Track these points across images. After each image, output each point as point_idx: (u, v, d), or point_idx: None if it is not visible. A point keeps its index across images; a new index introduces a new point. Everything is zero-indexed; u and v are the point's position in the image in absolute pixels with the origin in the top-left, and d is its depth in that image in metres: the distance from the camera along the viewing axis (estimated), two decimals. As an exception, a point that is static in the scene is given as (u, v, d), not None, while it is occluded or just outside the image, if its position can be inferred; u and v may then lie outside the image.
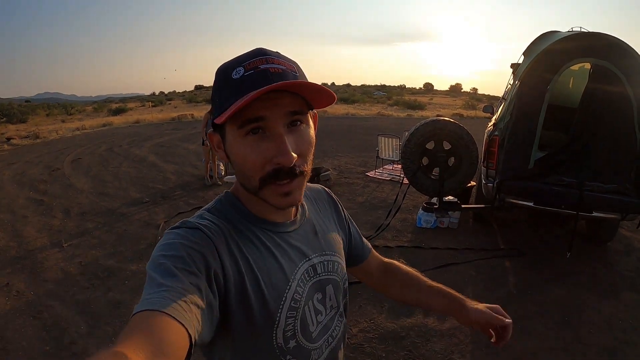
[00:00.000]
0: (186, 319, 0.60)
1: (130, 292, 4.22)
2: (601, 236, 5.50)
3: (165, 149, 12.55)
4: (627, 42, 4.41)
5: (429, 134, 4.92)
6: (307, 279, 0.90)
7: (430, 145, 5.03)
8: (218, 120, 0.75)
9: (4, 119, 26.79)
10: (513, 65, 6.53)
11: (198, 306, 0.65)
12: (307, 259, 0.92)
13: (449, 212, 5.82)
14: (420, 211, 6.12)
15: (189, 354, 0.60)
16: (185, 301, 0.63)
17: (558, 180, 4.59)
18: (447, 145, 5.06)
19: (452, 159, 5.07)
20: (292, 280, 0.86)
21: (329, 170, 8.41)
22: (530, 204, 4.76)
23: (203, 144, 8.22)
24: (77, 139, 15.92)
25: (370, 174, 9.10)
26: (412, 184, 5.20)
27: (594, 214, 4.57)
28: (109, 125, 21.29)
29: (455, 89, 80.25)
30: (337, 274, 0.99)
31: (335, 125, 17.68)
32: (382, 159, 9.07)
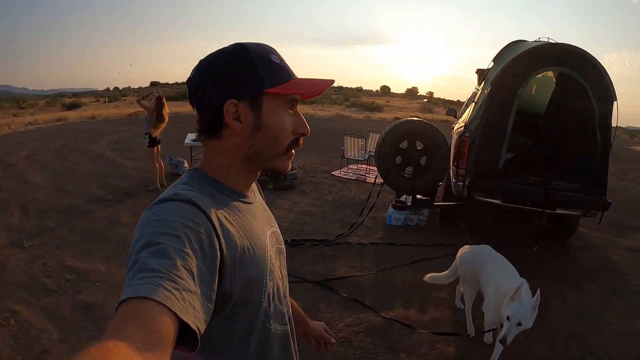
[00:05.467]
0: (182, 308, 0.58)
1: (102, 294, 3.99)
2: (562, 233, 5.87)
3: (122, 145, 12.13)
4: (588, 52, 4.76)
5: (403, 134, 5.09)
6: (271, 245, 0.98)
7: (403, 145, 5.19)
8: (281, 90, 0.87)
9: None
10: (479, 71, 6.80)
11: (193, 292, 0.63)
12: (269, 226, 1.01)
13: (422, 210, 6.01)
14: (390, 209, 6.24)
15: (195, 343, 0.60)
16: (180, 289, 0.60)
17: (526, 180, 4.88)
18: (419, 145, 5.22)
19: (425, 158, 5.24)
20: (266, 245, 0.93)
21: (296, 168, 8.45)
22: (499, 201, 5.01)
23: (149, 144, 7.15)
24: (31, 133, 15.06)
25: (336, 173, 9.18)
26: (386, 182, 5.35)
27: (558, 211, 4.87)
28: (63, 120, 20.33)
29: (412, 93, 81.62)
30: (283, 245, 1.09)
31: None
32: (348, 158, 9.17)
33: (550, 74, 5.58)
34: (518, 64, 4.87)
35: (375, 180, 6.25)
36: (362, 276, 4.54)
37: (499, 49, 5.54)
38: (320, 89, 0.93)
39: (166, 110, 6.95)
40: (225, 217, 0.82)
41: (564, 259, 5.42)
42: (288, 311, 1.04)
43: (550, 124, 5.16)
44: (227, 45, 0.89)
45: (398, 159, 5.27)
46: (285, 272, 1.06)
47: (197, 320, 0.61)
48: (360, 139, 8.96)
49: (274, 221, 1.09)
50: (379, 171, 5.35)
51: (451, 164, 5.35)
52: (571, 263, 5.33)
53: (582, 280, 4.85)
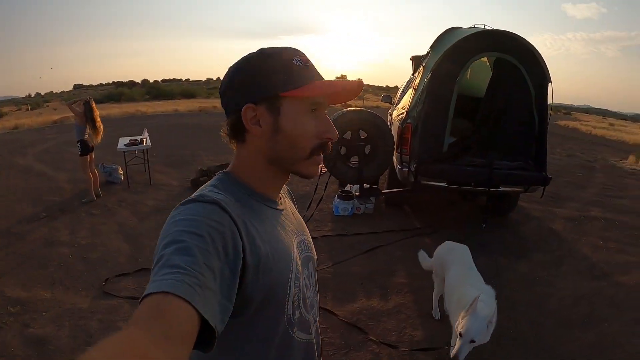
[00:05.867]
0: (203, 305, 0.60)
1: (52, 325, 3.56)
2: (503, 208, 6.16)
3: (52, 156, 11.31)
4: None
5: (347, 125, 5.09)
6: (299, 253, 0.97)
7: (347, 136, 5.20)
8: (298, 93, 0.84)
9: None
10: (414, 58, 6.93)
11: (214, 291, 0.65)
12: (296, 234, 0.99)
13: (369, 198, 6.08)
14: (336, 200, 6.25)
15: (213, 341, 0.62)
16: (201, 286, 0.62)
17: (470, 162, 5.08)
18: (363, 135, 5.24)
19: (369, 147, 5.26)
20: (292, 252, 0.92)
21: None
22: (444, 184, 5.20)
23: (82, 152, 6.63)
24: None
25: None
26: (332, 174, 5.33)
27: (502, 188, 5.14)
28: (-17, 133, 19.00)
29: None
30: (314, 254, 1.08)
31: (215, 121, 17.01)
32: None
33: (484, 59, 5.81)
34: (457, 51, 5.03)
35: (320, 172, 6.21)
36: (319, 270, 4.49)
37: (435, 36, 5.74)
38: (346, 89, 0.92)
39: (97, 114, 6.50)
40: (250, 221, 0.82)
41: (509, 232, 5.72)
42: (315, 321, 1.04)
43: (490, 107, 5.38)
44: (252, 52, 0.90)
45: (343, 150, 5.28)
46: (313, 282, 1.05)
47: (215, 318, 0.62)
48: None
49: (305, 229, 1.08)
50: (325, 164, 5.32)
51: (395, 150, 5.41)
52: (517, 236, 5.64)
53: (530, 251, 5.15)
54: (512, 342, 3.37)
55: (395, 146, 5.37)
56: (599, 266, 4.85)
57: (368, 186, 5.62)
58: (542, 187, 5.10)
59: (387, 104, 9.21)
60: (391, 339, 3.34)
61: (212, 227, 0.72)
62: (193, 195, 0.82)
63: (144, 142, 7.85)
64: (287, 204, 1.04)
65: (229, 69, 0.90)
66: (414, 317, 3.62)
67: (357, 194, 5.49)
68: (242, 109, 0.85)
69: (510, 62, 5.05)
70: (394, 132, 5.51)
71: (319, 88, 0.86)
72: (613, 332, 3.64)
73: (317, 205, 5.82)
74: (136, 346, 0.48)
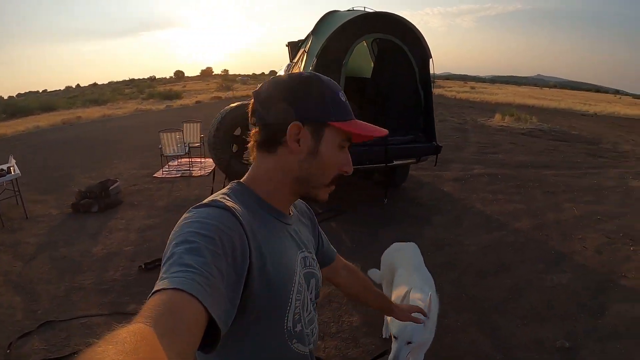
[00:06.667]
0: (212, 305, 0.61)
1: None
2: (396, 180, 6.39)
3: None
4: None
5: (236, 121, 4.91)
6: (302, 268, 0.98)
7: (237, 132, 5.02)
8: (344, 126, 0.90)
9: None
10: (290, 44, 6.86)
11: (221, 293, 0.66)
12: (300, 250, 1.00)
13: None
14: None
15: (217, 340, 0.63)
16: (211, 287, 0.63)
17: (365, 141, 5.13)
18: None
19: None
20: (296, 265, 0.94)
21: (117, 181, 7.31)
22: None
23: None
24: None
25: (158, 174, 8.35)
26: (227, 174, 5.13)
27: (396, 162, 5.31)
28: None
29: (207, 73, 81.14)
30: (317, 271, 1.08)
31: (96, 131, 15.25)
32: (167, 155, 8.56)
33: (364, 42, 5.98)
34: (342, 34, 5.07)
35: (213, 174, 5.97)
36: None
37: (303, 21, 5.73)
38: (373, 134, 0.96)
39: None
40: (259, 230, 0.83)
41: (408, 201, 5.93)
42: (315, 335, 1.06)
43: (377, 86, 5.55)
44: (303, 72, 0.94)
45: (235, 148, 5.09)
46: (313, 297, 1.05)
47: (220, 319, 0.63)
48: (176, 133, 8.36)
49: (310, 246, 1.08)
50: (218, 164, 5.12)
51: None
52: (416, 203, 5.87)
53: (431, 215, 5.37)
54: (442, 303, 3.43)
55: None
56: (494, 217, 5.22)
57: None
58: (435, 156, 5.37)
59: None
60: (331, 330, 3.22)
61: (223, 231, 0.73)
62: (206, 200, 0.83)
63: (12, 171, 6.86)
64: (293, 219, 1.05)
65: (278, 80, 0.92)
66: (345, 304, 3.54)
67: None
68: (290, 125, 0.87)
69: (393, 42, 5.23)
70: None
71: (360, 127, 0.93)
72: (523, 273, 3.97)
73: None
74: (146, 340, 0.46)
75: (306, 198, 1.00)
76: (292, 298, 0.89)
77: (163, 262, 0.68)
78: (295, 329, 0.93)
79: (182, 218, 0.78)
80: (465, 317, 3.32)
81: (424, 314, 1.55)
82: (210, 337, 0.62)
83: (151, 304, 0.56)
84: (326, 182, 0.95)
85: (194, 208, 0.80)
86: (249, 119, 0.93)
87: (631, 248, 4.53)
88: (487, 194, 6.07)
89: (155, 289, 0.60)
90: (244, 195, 0.90)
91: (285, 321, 0.89)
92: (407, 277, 2.60)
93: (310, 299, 1.03)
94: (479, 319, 3.30)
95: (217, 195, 0.87)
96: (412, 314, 1.52)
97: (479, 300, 3.55)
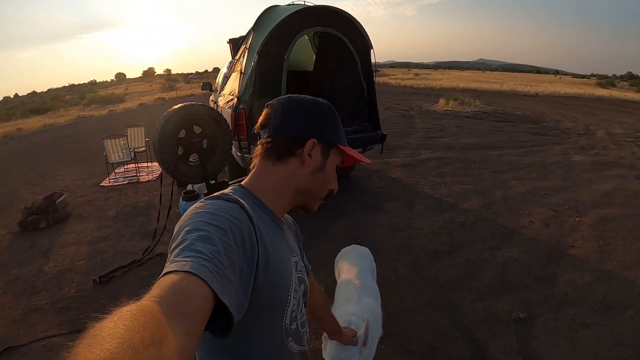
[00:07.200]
0: (221, 290, 0.61)
1: None
2: (346, 170, 6.46)
3: None
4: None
5: (180, 123, 4.77)
6: (295, 271, 1.01)
7: (182, 134, 4.88)
8: (346, 150, 1.05)
9: None
10: (231, 41, 6.76)
11: (233, 282, 0.67)
12: (292, 255, 1.04)
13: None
14: (182, 202, 5.84)
15: (230, 329, 0.64)
16: (221, 275, 0.63)
17: None
18: (197, 130, 4.96)
19: (206, 141, 5.01)
20: (291, 266, 0.98)
21: (64, 193, 7.04)
22: None
23: None
24: None
25: (105, 183, 8.06)
26: (175, 177, 4.98)
27: None
28: None
29: (149, 74, 79.36)
30: (306, 277, 1.12)
31: (39, 142, 14.54)
32: (113, 163, 8.29)
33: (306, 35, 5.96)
34: (282, 29, 5.03)
35: (161, 178, 5.82)
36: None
37: (241, 17, 5.66)
38: (361, 160, 1.11)
39: None
40: (263, 228, 0.86)
41: (359, 190, 6.01)
42: (307, 336, 1.09)
43: (320, 79, 5.58)
44: (320, 99, 1.06)
45: (180, 150, 4.96)
46: (305, 299, 1.08)
47: (232, 307, 0.63)
48: (120, 139, 8.08)
49: (297, 253, 1.13)
50: (164, 168, 4.96)
51: (232, 139, 5.24)
52: (366, 191, 5.95)
53: (382, 202, 5.45)
54: (399, 287, 3.53)
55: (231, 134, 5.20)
56: (444, 200, 5.35)
57: (214, 181, 5.38)
58: (381, 144, 5.44)
59: (206, 92, 8.95)
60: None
61: (233, 222, 0.75)
62: (215, 193, 0.86)
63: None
64: (285, 227, 1.09)
65: (300, 100, 1.04)
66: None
67: (204, 192, 5.18)
68: (310, 140, 0.98)
69: (334, 35, 5.26)
70: (227, 120, 5.33)
71: (353, 153, 1.07)
72: (476, 251, 4.10)
73: (168, 214, 5.42)
74: (156, 318, 0.47)
75: (301, 208, 1.07)
76: (290, 296, 0.94)
77: (173, 247, 0.69)
78: (291, 327, 0.97)
79: (192, 207, 0.80)
80: (422, 298, 3.38)
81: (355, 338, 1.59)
82: (219, 325, 0.64)
83: (160, 285, 0.56)
84: (322, 196, 1.06)
85: (204, 199, 0.83)
86: (257, 128, 1.02)
87: (577, 219, 4.74)
88: (436, 178, 6.22)
89: (165, 270, 0.61)
90: (246, 196, 0.95)
91: (284, 318, 0.93)
92: (344, 290, 2.23)
93: (304, 302, 1.07)
94: (435, 299, 3.38)
95: (221, 192, 0.91)
96: (353, 337, 1.59)
97: (435, 280, 3.64)
